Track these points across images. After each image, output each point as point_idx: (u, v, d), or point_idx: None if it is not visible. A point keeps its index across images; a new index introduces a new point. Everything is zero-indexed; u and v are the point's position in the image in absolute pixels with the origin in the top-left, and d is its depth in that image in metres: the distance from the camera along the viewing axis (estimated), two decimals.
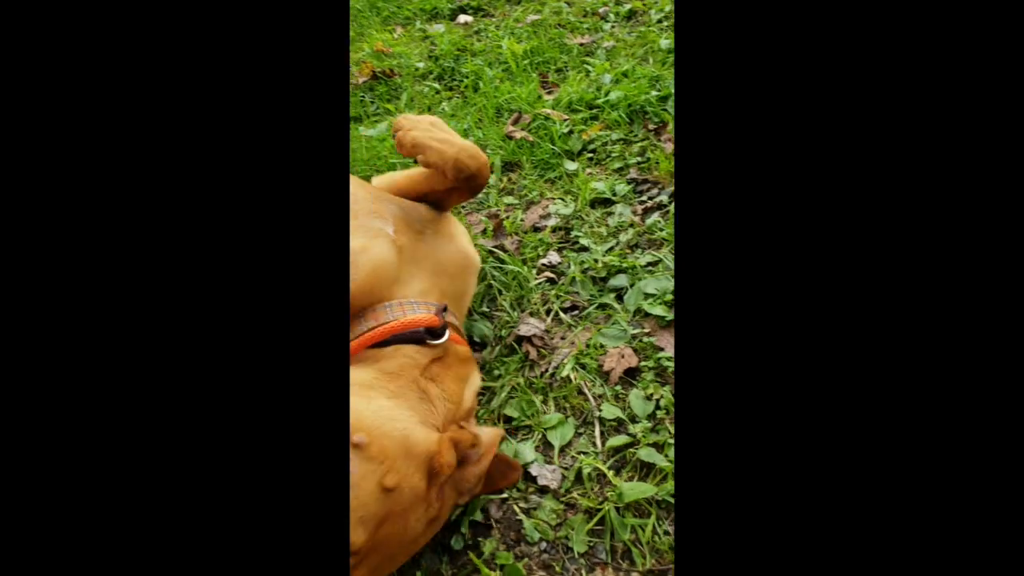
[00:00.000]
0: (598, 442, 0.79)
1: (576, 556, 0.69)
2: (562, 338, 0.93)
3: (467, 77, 1.68)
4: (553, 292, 1.01)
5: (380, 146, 1.49)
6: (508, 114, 1.50)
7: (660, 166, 1.21)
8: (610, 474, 0.74)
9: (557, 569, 0.68)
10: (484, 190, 1.26)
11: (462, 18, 2.11)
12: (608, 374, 0.86)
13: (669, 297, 0.92)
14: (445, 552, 0.72)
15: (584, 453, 0.78)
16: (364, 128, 1.59)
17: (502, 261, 1.07)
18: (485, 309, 1.01)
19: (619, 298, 0.97)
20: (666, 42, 1.62)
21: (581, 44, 1.74)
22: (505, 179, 1.32)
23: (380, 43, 1.95)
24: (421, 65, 1.82)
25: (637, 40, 1.69)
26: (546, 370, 0.89)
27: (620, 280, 0.99)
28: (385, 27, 2.18)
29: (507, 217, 1.20)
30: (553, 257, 1.08)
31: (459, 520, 0.74)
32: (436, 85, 1.71)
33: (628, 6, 1.87)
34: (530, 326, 0.94)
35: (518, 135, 1.35)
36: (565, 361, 0.89)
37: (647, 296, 0.94)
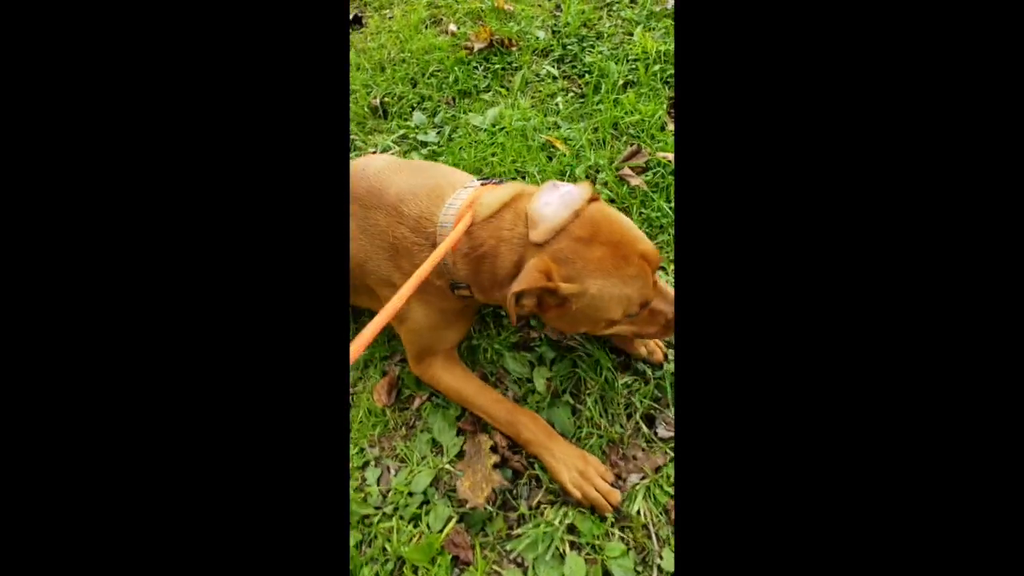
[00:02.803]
0: None
1: None
2: (634, 458, 0.97)
3: (589, 71, 1.54)
4: (636, 397, 1.03)
5: (484, 138, 1.42)
6: (627, 137, 1.40)
7: None
8: None
9: None
10: None
11: None
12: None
13: None
14: None
15: None
16: (473, 114, 1.51)
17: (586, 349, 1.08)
18: (568, 399, 1.04)
19: None
20: None
21: None
22: None
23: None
24: (542, 36, 1.67)
25: None
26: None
27: None
28: None
29: None
30: None
31: None
32: (554, 71, 1.58)
33: None
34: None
35: (633, 181, 1.28)
36: (637, 488, 0.93)
37: None
